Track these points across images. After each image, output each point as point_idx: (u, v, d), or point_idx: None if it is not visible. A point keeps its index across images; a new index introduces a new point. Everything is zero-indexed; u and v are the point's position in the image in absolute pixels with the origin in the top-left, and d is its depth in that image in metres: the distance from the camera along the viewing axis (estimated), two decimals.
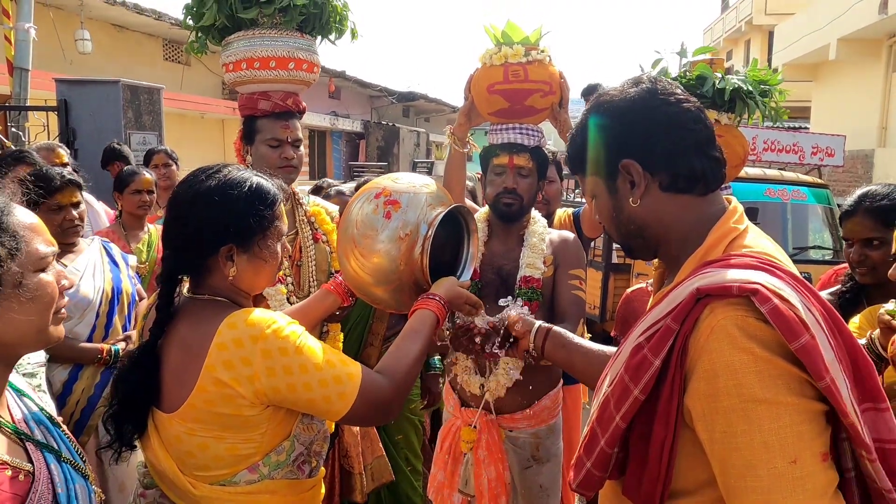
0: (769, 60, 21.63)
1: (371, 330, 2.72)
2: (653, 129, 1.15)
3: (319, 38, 2.45)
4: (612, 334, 2.77)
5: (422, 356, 1.45)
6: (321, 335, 2.33)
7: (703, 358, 0.98)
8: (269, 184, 1.42)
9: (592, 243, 3.79)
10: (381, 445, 2.55)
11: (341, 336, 2.39)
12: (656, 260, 1.29)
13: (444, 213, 1.58)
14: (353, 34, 2.49)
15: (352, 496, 2.46)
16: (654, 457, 1.03)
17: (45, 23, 8.03)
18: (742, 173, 5.22)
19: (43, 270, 1.11)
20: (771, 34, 21.16)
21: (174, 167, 4.21)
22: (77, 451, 1.21)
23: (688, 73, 2.11)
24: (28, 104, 6.22)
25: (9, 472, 1.03)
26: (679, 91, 1.19)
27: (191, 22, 2.38)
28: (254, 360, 1.26)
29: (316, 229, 2.36)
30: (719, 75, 2.02)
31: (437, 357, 2.95)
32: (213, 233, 1.33)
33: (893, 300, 1.61)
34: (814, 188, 4.82)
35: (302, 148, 2.31)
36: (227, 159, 5.79)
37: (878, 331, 1.61)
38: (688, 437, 1.02)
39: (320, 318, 1.77)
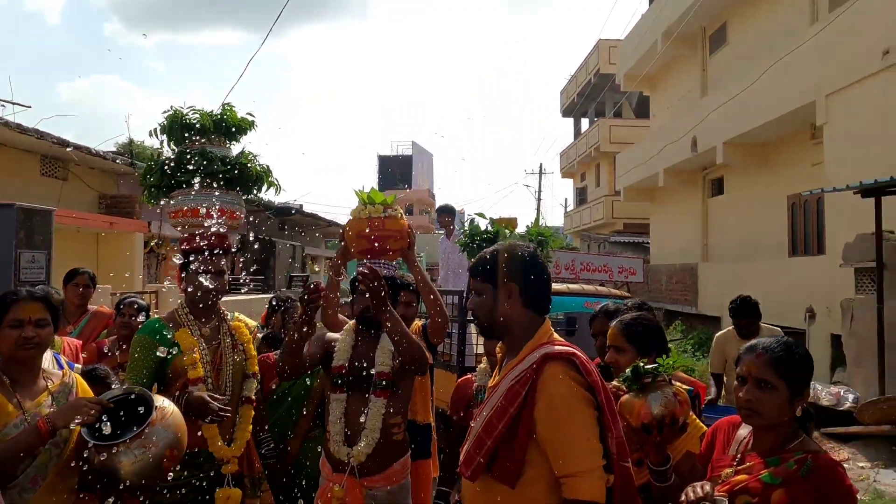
0: (615, 183, 24.21)
1: (298, 424, 3.41)
2: (531, 272, 2.09)
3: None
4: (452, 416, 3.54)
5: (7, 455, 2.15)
6: (235, 418, 2.96)
7: (544, 391, 1.89)
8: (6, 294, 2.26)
9: (439, 348, 4.63)
10: None
11: (251, 415, 3.03)
12: (499, 346, 2.19)
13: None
14: (277, 189, 3.37)
15: None
16: (519, 447, 1.91)
17: None
18: (564, 288, 6.35)
19: None
20: (616, 160, 23.31)
21: (91, 289, 4.70)
22: None
23: (489, 228, 3.11)
24: None
25: None
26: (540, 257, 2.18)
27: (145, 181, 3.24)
28: None
29: (236, 340, 3.05)
30: (508, 232, 3.02)
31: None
32: None
33: (618, 378, 2.50)
34: (622, 300, 5.98)
35: (226, 276, 3.03)
36: (101, 272, 6.13)
37: None
38: (532, 445, 1.90)
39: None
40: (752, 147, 13.49)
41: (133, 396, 2.49)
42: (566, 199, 37.24)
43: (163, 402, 2.52)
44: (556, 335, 2.12)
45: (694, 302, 15.63)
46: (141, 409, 2.43)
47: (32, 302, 2.34)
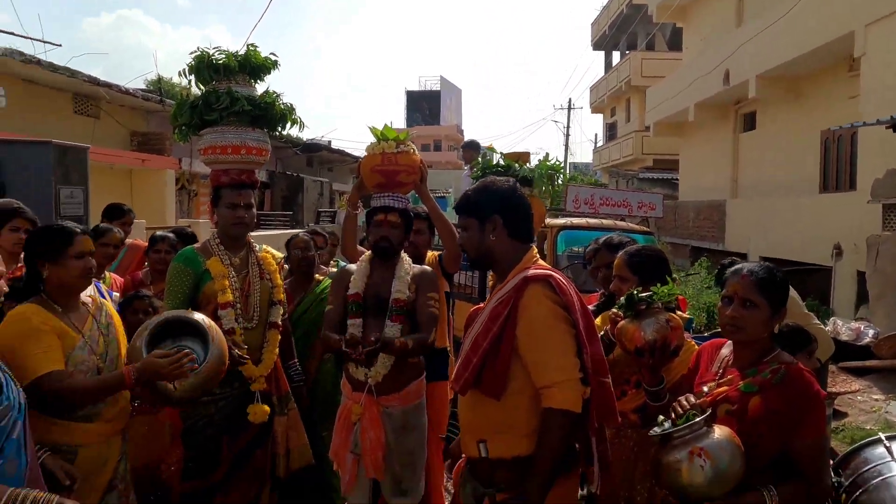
0: (645, 118, 23.77)
1: (313, 346, 3.74)
2: (511, 204, 2.23)
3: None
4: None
5: (93, 391, 2.40)
6: (263, 342, 3.19)
7: (524, 310, 2.06)
8: (68, 229, 2.48)
9: (456, 278, 4.80)
10: (304, 435, 3.39)
11: (278, 338, 3.28)
12: (490, 274, 2.32)
13: (153, 325, 2.60)
14: (301, 126, 3.53)
15: (276, 472, 3.28)
16: (503, 363, 2.08)
17: None
18: (584, 223, 6.44)
19: None
20: (646, 94, 22.99)
21: (131, 226, 4.99)
22: None
23: (500, 162, 3.22)
24: None
25: None
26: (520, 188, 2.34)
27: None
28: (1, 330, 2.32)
29: (262, 269, 3.24)
30: (517, 166, 3.12)
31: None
32: (29, 253, 2.47)
33: (617, 305, 2.63)
34: (642, 234, 6.06)
35: (254, 210, 3.20)
36: (134, 207, 6.36)
37: (607, 327, 2.62)
38: (515, 360, 2.07)
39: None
40: (786, 80, 13.12)
41: (187, 320, 2.67)
42: (596, 135, 36.66)
43: (210, 323, 2.72)
44: (540, 261, 2.25)
45: (721, 238, 15.54)
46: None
47: (85, 236, 2.57)
